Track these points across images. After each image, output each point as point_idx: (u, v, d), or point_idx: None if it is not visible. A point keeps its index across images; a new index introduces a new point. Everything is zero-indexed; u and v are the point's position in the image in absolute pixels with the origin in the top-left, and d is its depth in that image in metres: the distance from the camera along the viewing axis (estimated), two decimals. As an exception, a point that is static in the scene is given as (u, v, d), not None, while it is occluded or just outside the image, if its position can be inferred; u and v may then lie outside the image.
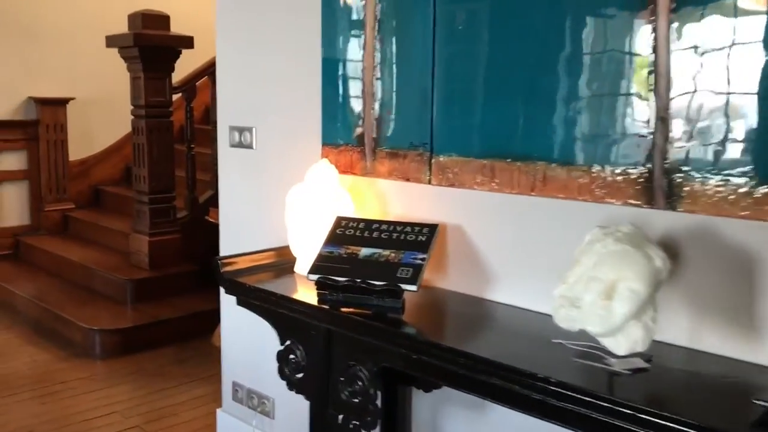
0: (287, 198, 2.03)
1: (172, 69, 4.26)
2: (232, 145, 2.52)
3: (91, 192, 5.61)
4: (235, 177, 2.55)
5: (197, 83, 4.54)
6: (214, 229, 4.62)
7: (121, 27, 4.27)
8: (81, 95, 5.39)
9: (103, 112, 5.56)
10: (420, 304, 1.75)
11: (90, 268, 4.39)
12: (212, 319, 3.98)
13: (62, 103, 5.29)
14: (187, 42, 4.24)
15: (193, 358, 3.67)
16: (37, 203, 5.31)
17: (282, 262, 2.08)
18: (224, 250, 2.64)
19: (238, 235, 2.58)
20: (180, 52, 4.25)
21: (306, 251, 1.97)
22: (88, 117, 5.51)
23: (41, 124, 5.25)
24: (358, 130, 2.03)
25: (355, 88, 2.02)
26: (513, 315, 1.71)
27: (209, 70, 4.49)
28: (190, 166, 4.51)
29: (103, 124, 5.61)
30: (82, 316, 3.85)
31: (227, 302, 2.61)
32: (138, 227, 4.33)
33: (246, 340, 2.57)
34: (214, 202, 4.53)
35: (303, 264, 1.98)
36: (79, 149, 5.49)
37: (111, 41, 4.21)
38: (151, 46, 4.09)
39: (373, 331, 1.64)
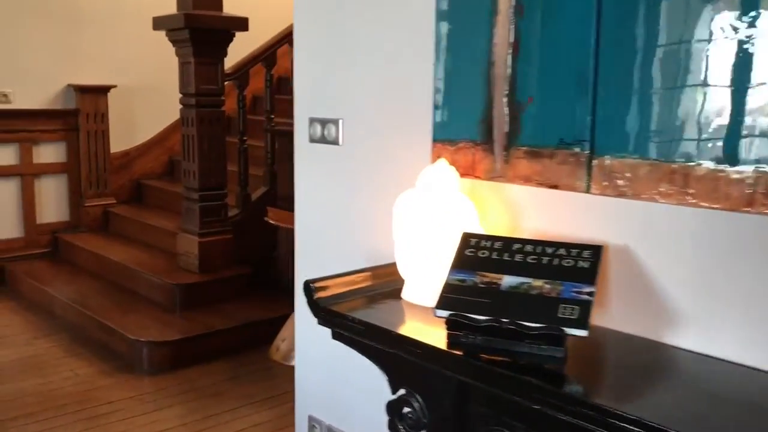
0: (395, 208, 1.63)
1: (225, 54, 3.89)
2: (313, 141, 2.12)
3: (133, 186, 5.28)
4: (315, 179, 2.16)
5: (250, 69, 4.16)
6: (269, 230, 4.31)
7: (164, 10, 3.91)
8: (122, 83, 5.06)
9: (145, 101, 5.23)
10: (577, 348, 1.34)
11: (134, 270, 4.05)
12: (268, 329, 3.63)
13: (103, 91, 4.96)
14: (242, 24, 3.86)
15: (250, 374, 3.31)
16: (77, 198, 4.99)
17: (383, 285, 1.68)
18: (301, 267, 2.25)
19: (319, 248, 2.18)
20: (233, 35, 3.87)
21: (418, 274, 1.57)
22: (130, 106, 5.18)
23: (81, 114, 4.92)
24: (484, 123, 1.62)
25: (480, 68, 1.61)
26: (711, 369, 1.30)
27: (263, 55, 4.12)
28: (242, 160, 4.14)
29: (146, 114, 5.27)
30: (127, 324, 3.51)
31: (303, 321, 2.23)
32: (187, 226, 3.97)
33: (326, 367, 2.18)
34: (268, 200, 4.18)
35: (413, 289, 1.58)
36: (120, 140, 5.16)
37: (159, 23, 3.84)
38: (203, 28, 3.71)
39: (526, 388, 1.23)
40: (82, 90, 4.90)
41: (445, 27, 1.68)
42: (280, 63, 4.33)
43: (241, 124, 4.15)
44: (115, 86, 4.99)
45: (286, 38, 4.21)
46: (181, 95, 3.90)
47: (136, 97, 5.18)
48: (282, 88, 4.85)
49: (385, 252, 1.82)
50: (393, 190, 1.77)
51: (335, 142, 2.04)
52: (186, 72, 3.82)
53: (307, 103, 2.15)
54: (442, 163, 1.62)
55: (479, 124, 1.63)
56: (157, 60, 5.08)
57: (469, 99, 1.65)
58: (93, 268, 4.44)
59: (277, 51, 4.20)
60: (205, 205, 3.91)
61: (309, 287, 1.57)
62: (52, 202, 4.96)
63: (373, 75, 1.93)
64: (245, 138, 4.17)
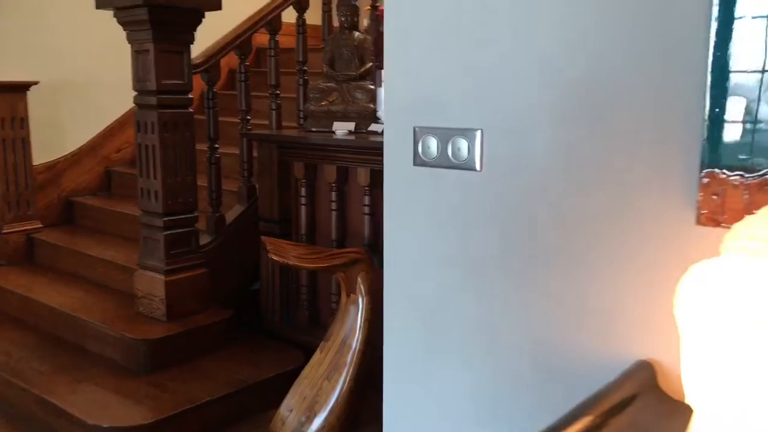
0: (683, 299, 0.89)
1: (192, 39, 3.03)
2: (422, 164, 1.35)
3: (63, 205, 4.29)
4: (426, 226, 1.38)
5: (221, 59, 3.31)
6: (248, 258, 3.49)
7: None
8: (46, 79, 4.08)
9: (75, 101, 4.27)
10: None
11: (78, 319, 3.13)
12: (263, 392, 2.83)
13: (21, 89, 3.96)
14: (215, 1, 3.01)
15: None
16: (-8, 223, 4.00)
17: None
18: (393, 390, 1.46)
19: (435, 348, 1.40)
20: (202, 16, 3.01)
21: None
22: (55, 107, 4.20)
23: (-6, 118, 3.93)
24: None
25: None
26: None
27: (237, 41, 3.29)
28: (213, 173, 3.30)
29: (76, 117, 4.30)
30: (78, 401, 2.62)
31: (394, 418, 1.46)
32: (148, 262, 3.09)
33: None
34: (246, 221, 3.36)
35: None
36: (45, 150, 4.17)
37: (105, 0, 2.94)
38: (166, 5, 2.85)
39: None
40: (-6, 88, 3.90)
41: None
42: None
43: (211, 128, 3.30)
44: (36, 83, 4.00)
45: (263, 20, 3.39)
46: (135, 93, 3.01)
47: (63, 95, 4.21)
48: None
49: (596, 371, 1.09)
50: (601, 255, 1.04)
51: (468, 166, 1.28)
52: (142, 63, 2.93)
53: (407, 103, 1.37)
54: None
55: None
56: (90, 50, 4.14)
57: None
58: (19, 315, 3.48)
59: (252, 36, 3.38)
60: (172, 234, 3.04)
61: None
62: (-41, 228, 3.94)
63: (551, 52, 1.18)
64: (217, 145, 3.32)
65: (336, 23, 3.65)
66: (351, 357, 2.57)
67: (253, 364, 2.99)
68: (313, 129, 3.24)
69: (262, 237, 2.77)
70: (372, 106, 3.21)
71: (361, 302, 2.62)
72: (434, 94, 1.31)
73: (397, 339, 1.45)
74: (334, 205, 3.05)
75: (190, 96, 3.05)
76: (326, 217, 3.11)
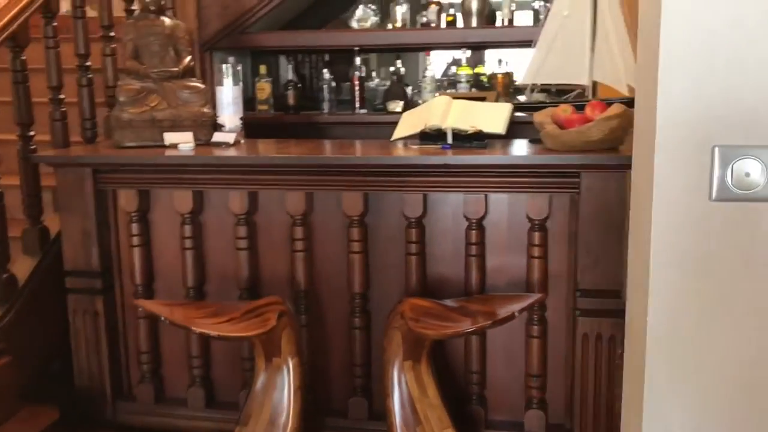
0: None
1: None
2: (724, 197, 0.94)
3: None
4: (728, 278, 0.97)
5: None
6: (51, 327, 2.43)
7: None
8: None
9: None
10: None
11: None
12: None
13: None
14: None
15: None
16: None
17: None
18: None
19: None
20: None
21: None
22: None
23: None
24: None
25: None
26: None
27: (7, 29, 2.36)
28: (-7, 217, 2.31)
29: None
30: None
31: None
32: None
33: None
34: (46, 277, 2.43)
35: None
36: None
37: None
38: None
39: None
40: None
41: None
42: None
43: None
44: None
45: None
46: None
47: None
48: None
49: None
50: None
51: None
52: None
53: (700, 115, 0.94)
54: None
55: None
56: None
57: None
58: None
59: (29, 22, 2.42)
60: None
61: None
62: None
63: None
64: (-7, 177, 2.33)
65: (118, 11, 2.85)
66: (285, 440, 1.99)
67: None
68: (131, 144, 2.45)
69: (136, 300, 1.98)
70: (208, 110, 2.54)
71: (290, 367, 2.03)
72: (758, 103, 0.92)
73: None
74: (188, 243, 2.34)
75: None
76: (172, 259, 2.38)
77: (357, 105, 3.52)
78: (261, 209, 2.33)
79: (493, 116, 2.34)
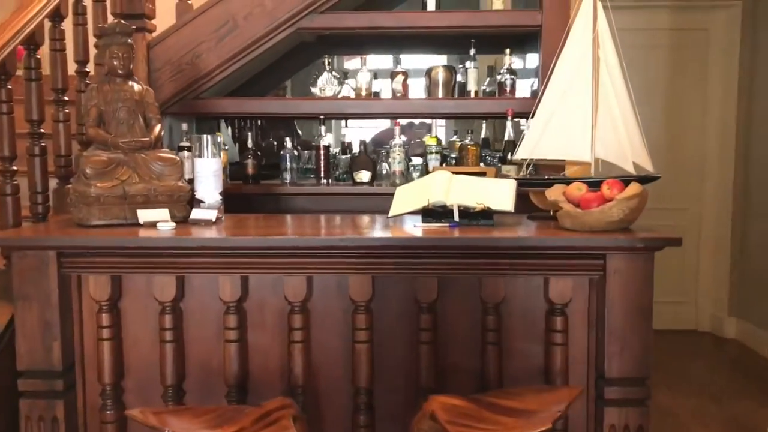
0: None
1: None
2: None
3: None
4: None
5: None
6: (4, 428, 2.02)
7: None
8: None
9: None
10: None
11: None
12: None
13: None
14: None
15: None
16: None
17: None
18: None
19: None
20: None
21: None
22: None
23: None
24: None
25: None
26: None
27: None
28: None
29: None
30: None
31: None
32: None
33: None
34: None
35: None
36: None
37: None
38: None
39: None
40: None
41: None
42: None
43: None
44: None
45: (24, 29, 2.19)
46: None
47: None
48: None
49: None
50: None
51: None
52: None
53: None
54: None
55: None
56: None
57: None
58: None
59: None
60: None
61: None
62: None
63: None
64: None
65: (90, 67, 2.59)
66: None
67: None
68: (99, 222, 2.18)
69: (128, 412, 1.69)
70: (183, 184, 2.30)
71: (302, 481, 1.78)
72: None
73: None
74: (169, 335, 2.07)
75: None
76: (146, 354, 2.10)
77: (322, 175, 3.34)
78: (252, 295, 2.10)
79: (499, 192, 2.23)
